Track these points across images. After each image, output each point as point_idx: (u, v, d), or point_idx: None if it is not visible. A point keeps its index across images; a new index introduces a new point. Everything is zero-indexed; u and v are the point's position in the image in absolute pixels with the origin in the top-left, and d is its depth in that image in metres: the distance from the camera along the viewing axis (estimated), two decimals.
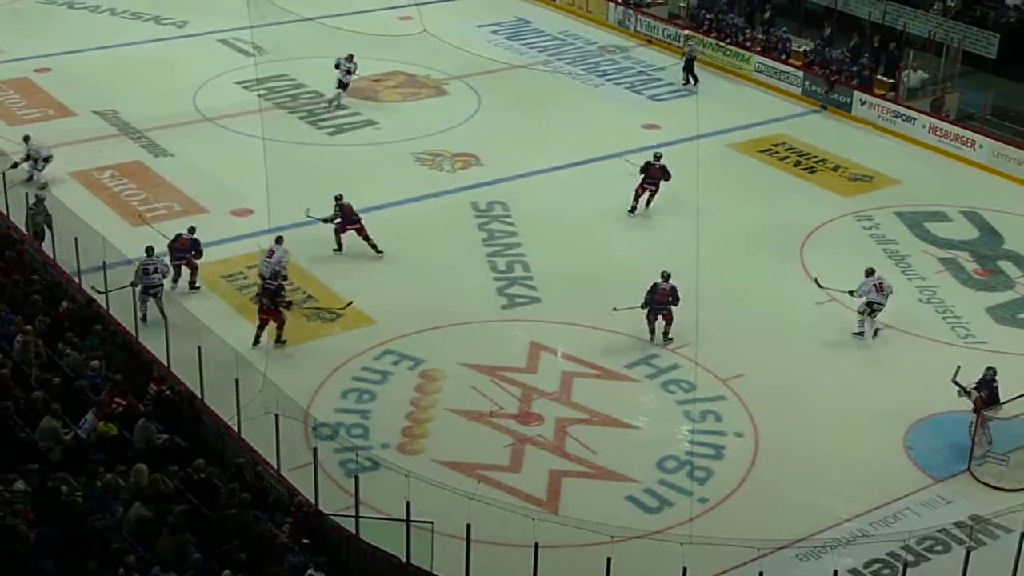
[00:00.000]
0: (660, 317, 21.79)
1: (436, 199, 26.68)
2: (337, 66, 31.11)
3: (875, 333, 22.26)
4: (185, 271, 22.77)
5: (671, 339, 21.81)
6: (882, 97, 31.73)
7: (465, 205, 26.52)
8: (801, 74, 33.21)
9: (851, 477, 18.69)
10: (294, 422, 18.19)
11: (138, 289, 21.28)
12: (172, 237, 22.87)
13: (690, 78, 33.79)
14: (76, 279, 21.89)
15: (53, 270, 22.28)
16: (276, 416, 17.32)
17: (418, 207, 26.37)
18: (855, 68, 32.42)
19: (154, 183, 26.87)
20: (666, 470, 18.75)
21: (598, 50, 36.24)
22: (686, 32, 35.82)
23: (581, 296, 23.15)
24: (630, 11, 37.64)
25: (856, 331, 22.37)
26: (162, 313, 21.41)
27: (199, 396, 18.50)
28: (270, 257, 22.40)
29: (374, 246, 24.17)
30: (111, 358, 18.80)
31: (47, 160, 26.10)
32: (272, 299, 21.12)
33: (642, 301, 21.70)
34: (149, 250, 21.95)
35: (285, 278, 22.19)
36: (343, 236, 24.15)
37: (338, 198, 24.25)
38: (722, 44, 35.01)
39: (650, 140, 29.37)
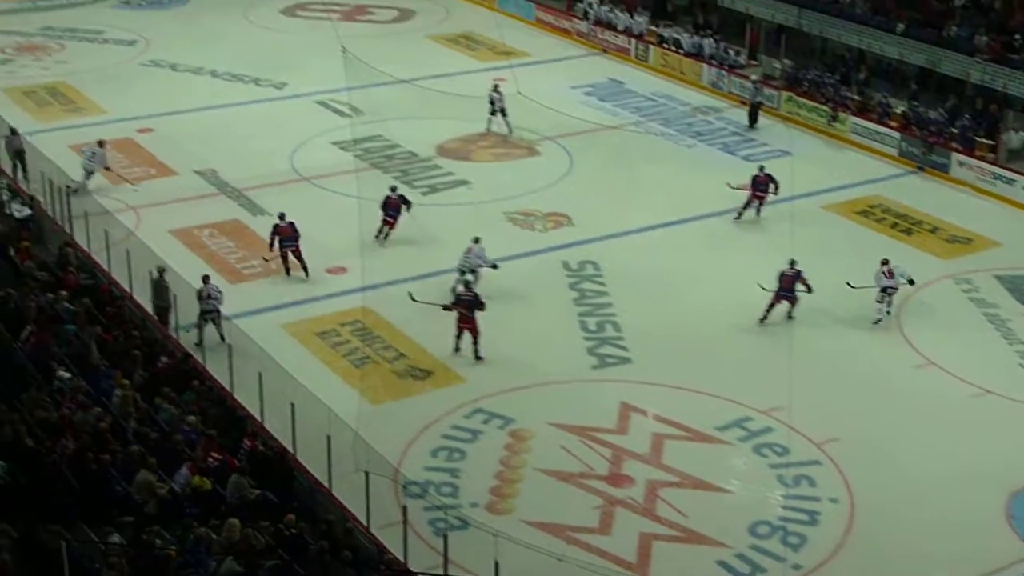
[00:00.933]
0: (785, 301, 23.70)
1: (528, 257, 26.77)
2: (491, 103, 33.35)
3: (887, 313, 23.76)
4: (293, 260, 25.09)
5: (793, 318, 23.71)
6: (981, 158, 31.29)
7: (556, 265, 26.55)
8: (898, 135, 32.89)
9: (949, 546, 18.26)
10: (384, 480, 18.26)
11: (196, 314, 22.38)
12: (271, 228, 25.34)
13: (753, 123, 34.57)
14: (174, 335, 22.24)
15: (152, 326, 22.67)
16: (367, 473, 17.40)
17: (509, 267, 26.41)
18: (953, 129, 32.05)
19: (251, 241, 27.27)
20: (759, 535, 18.47)
21: (691, 111, 36.25)
22: (753, 78, 36.12)
23: (672, 357, 23.03)
24: (724, 72, 37.62)
25: (875, 319, 23.23)
26: (222, 338, 22.18)
27: (292, 452, 18.65)
28: (468, 253, 24.47)
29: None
30: (207, 413, 19.05)
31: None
32: (470, 309, 22.43)
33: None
34: (205, 278, 22.99)
35: (473, 272, 24.41)
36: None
37: (392, 189, 27.26)
38: (817, 105, 34.83)
39: (743, 201, 29.24)
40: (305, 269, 25.47)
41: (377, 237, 27.03)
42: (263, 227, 27.74)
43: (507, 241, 27.37)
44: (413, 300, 23.77)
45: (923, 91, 34.22)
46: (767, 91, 36.21)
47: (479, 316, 22.79)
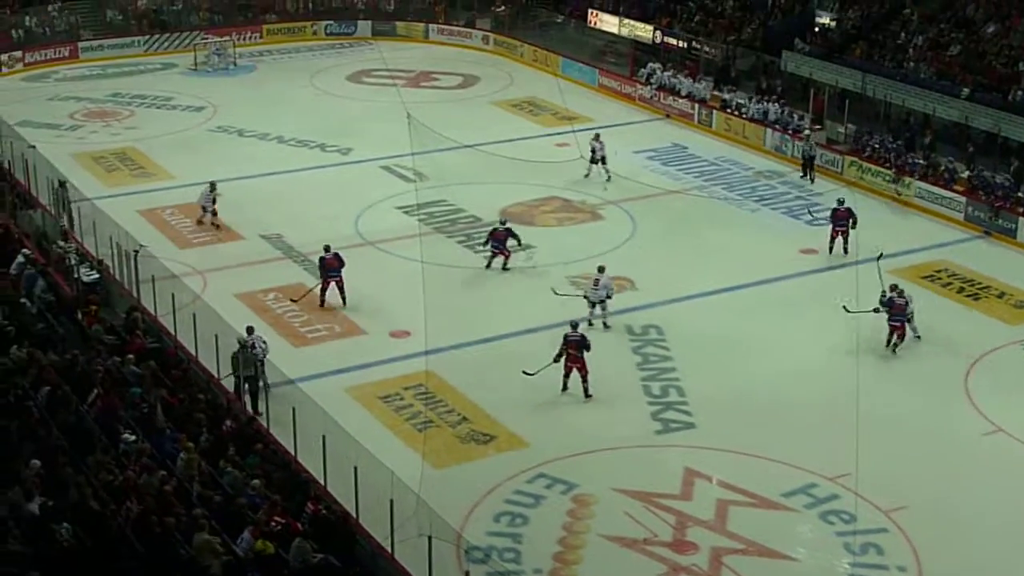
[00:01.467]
0: (840, 235, 28.72)
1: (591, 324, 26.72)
2: (592, 151, 34.78)
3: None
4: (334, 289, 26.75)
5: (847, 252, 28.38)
6: None
7: (620, 329, 26.48)
8: (964, 199, 32.62)
9: None
10: (447, 544, 18.16)
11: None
12: (318, 261, 27.13)
13: (809, 175, 35.28)
14: (239, 398, 22.38)
15: (217, 389, 22.84)
16: (429, 538, 17.34)
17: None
18: (1020, 194, 31.74)
19: (316, 305, 27.44)
20: None
21: (754, 175, 36.19)
22: (807, 132, 36.41)
23: (736, 422, 22.83)
24: (787, 137, 37.57)
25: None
26: (265, 385, 22.72)
27: (354, 516, 18.64)
28: (596, 285, 26.02)
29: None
30: (271, 476, 19.10)
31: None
32: (579, 349, 23.33)
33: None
34: (249, 329, 23.73)
35: (609, 297, 26.27)
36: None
37: (502, 222, 29.54)
38: (882, 169, 34.66)
39: (808, 265, 29.11)
40: (343, 298, 27.05)
41: (487, 267, 29.22)
42: (329, 291, 27.96)
43: (571, 306, 27.32)
44: (556, 294, 26.21)
45: (988, 155, 33.96)
46: (831, 155, 36.10)
47: (587, 356, 23.47)
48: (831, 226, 30.02)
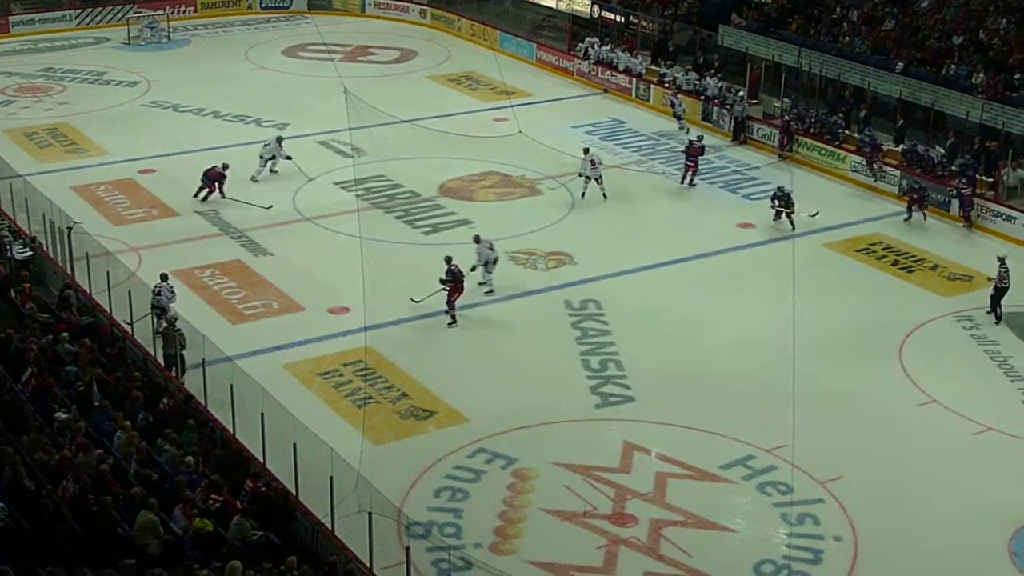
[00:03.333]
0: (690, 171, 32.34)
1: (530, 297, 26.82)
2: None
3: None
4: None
5: (695, 185, 32.24)
6: (981, 196, 31.35)
7: (559, 304, 26.56)
8: (898, 173, 32.97)
9: None
10: (387, 520, 18.19)
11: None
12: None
13: (742, 137, 36.54)
14: (176, 376, 22.22)
15: (154, 367, 22.65)
16: (369, 514, 17.34)
17: (511, 305, 26.45)
18: (953, 168, 32.13)
19: (253, 281, 27.30)
20: (763, 574, 18.39)
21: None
22: (740, 94, 37.61)
23: (675, 395, 23.00)
24: (724, 111, 37.74)
25: None
26: (176, 337, 22.82)
27: (294, 493, 18.59)
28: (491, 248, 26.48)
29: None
30: (208, 454, 19.00)
31: None
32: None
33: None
34: (163, 276, 24.46)
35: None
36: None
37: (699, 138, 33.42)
38: (819, 143, 34.93)
39: (745, 239, 29.31)
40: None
41: (681, 183, 32.54)
42: (264, 267, 27.86)
43: (509, 280, 27.39)
44: (414, 301, 25.63)
45: (922, 129, 34.33)
46: (768, 129, 36.32)
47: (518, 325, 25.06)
48: (684, 161, 33.05)
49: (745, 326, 25.63)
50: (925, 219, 31.06)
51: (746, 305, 26.42)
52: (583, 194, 32.14)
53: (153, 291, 24.15)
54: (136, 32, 46.97)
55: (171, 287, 24.60)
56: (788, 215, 30.22)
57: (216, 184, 31.48)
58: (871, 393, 23.26)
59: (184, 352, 22.77)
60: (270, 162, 33.18)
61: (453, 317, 25.39)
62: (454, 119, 37.82)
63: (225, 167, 31.66)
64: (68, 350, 21.35)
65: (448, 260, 25.54)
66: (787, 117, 35.71)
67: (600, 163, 32.42)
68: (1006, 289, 26.05)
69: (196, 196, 31.39)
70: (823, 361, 23.79)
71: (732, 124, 36.81)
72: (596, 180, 32.28)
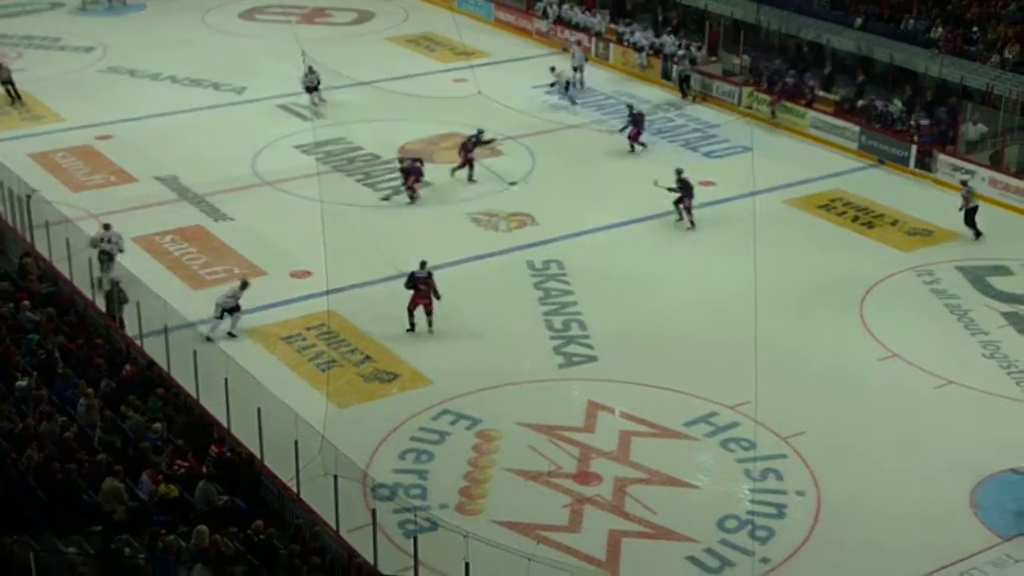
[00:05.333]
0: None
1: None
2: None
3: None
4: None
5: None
6: (941, 151, 31.53)
7: (521, 264, 26.59)
8: (858, 128, 33.10)
9: (916, 536, 18.42)
10: (353, 483, 18.25)
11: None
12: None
13: (690, 95, 36.92)
14: (138, 343, 22.14)
15: (115, 334, 22.55)
16: (335, 477, 17.39)
17: (473, 267, 26.45)
18: (912, 122, 32.28)
19: (214, 246, 27.18)
20: (727, 530, 18.57)
21: (651, 108, 36.31)
22: (680, 53, 37.81)
23: (638, 354, 23.11)
24: (681, 68, 37.68)
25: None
26: (117, 289, 23.18)
27: (259, 457, 18.59)
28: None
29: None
30: (173, 420, 18.97)
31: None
32: (429, 288, 23.56)
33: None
34: (106, 226, 24.80)
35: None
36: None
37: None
38: (781, 101, 34.98)
39: (707, 197, 29.37)
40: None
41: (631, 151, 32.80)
42: (225, 232, 27.73)
43: (471, 241, 27.40)
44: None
45: (880, 84, 34.46)
46: (728, 87, 36.38)
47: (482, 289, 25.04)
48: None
49: (707, 284, 25.75)
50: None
51: (707, 263, 26.53)
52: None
53: (99, 239, 24.26)
54: None
55: (119, 234, 24.80)
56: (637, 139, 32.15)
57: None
58: (832, 349, 23.44)
59: (124, 308, 23.03)
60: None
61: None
62: (413, 80, 37.64)
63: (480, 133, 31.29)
64: (29, 318, 21.23)
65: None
66: (686, 72, 36.70)
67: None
68: (975, 208, 27.56)
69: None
70: (785, 318, 23.96)
71: (678, 81, 37.16)
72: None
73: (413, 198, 29.31)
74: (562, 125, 34.64)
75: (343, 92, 34.69)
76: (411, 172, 29.44)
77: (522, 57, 41.04)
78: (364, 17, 45.73)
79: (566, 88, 36.25)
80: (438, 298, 23.70)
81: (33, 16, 45.47)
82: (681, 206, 28.52)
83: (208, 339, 22.90)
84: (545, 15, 42.73)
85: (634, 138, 32.84)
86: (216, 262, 26.51)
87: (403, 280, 23.80)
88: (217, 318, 23.32)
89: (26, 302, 21.71)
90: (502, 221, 28.67)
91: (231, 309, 23.46)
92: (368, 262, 25.70)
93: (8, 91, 35.73)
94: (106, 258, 24.34)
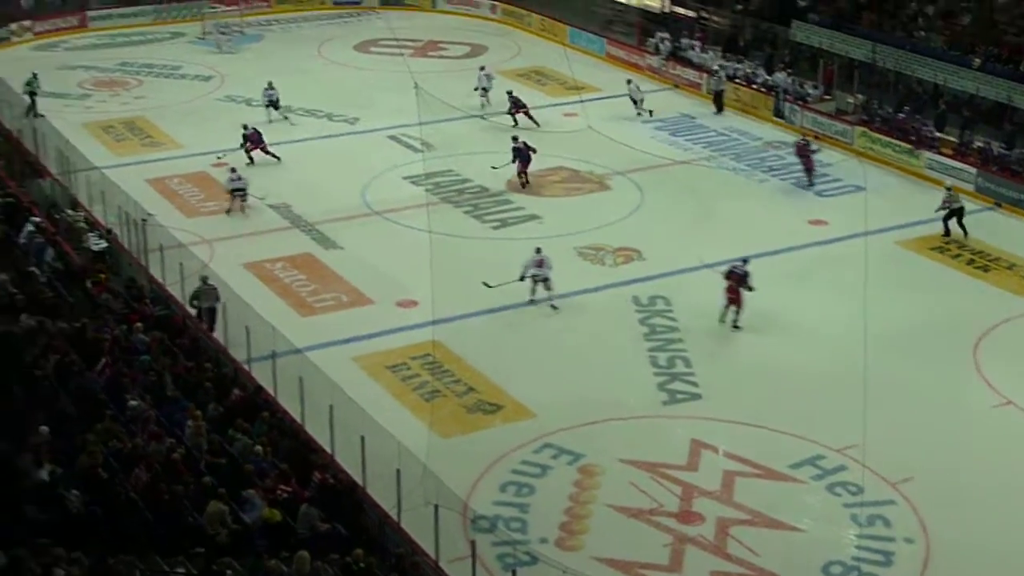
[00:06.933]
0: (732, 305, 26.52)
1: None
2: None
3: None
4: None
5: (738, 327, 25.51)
6: None
7: (626, 299, 26.46)
8: (974, 171, 32.48)
9: None
10: (453, 514, 18.22)
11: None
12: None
13: (720, 109, 38.48)
14: (246, 367, 22.43)
15: (224, 358, 22.86)
16: (435, 507, 17.38)
17: (579, 301, 26.38)
18: None
19: (323, 274, 27.48)
20: (831, 575, 18.20)
21: (763, 145, 36.05)
22: (715, 67, 39.28)
23: (743, 393, 22.84)
24: (796, 107, 37.40)
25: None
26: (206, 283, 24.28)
27: (361, 485, 18.68)
28: (540, 266, 25.77)
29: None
30: (278, 445, 19.15)
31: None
32: (739, 283, 24.59)
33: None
34: (204, 279, 24.65)
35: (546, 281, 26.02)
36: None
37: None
38: (892, 140, 34.49)
39: (817, 236, 29.03)
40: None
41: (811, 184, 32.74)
42: (334, 260, 28.01)
43: (577, 275, 27.32)
44: (488, 286, 25.72)
45: (997, 125, 33.82)
46: (841, 126, 35.96)
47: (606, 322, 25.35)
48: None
49: (815, 324, 25.38)
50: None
51: (816, 303, 26.16)
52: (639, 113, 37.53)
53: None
54: (210, 28, 47.28)
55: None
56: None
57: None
58: (944, 393, 22.94)
59: (217, 306, 23.91)
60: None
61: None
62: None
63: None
64: (141, 340, 21.61)
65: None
66: (802, 141, 34.06)
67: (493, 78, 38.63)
68: (960, 209, 29.18)
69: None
70: (895, 360, 23.48)
71: (713, 96, 38.94)
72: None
73: (525, 184, 31.96)
74: (671, 161, 34.51)
75: (454, 125, 34.91)
76: (521, 156, 31.73)
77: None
78: (477, 51, 46.09)
79: (636, 104, 38.01)
80: (749, 290, 24.90)
81: (154, 45, 46.63)
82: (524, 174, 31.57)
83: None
84: (657, 51, 42.67)
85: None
86: (324, 289, 26.79)
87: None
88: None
89: (139, 324, 22.11)
90: (609, 255, 28.58)
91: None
92: (474, 293, 25.77)
93: (32, 100, 37.27)
94: (240, 194, 29.80)
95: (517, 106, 36.50)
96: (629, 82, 38.63)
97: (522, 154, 32.23)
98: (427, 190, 31.71)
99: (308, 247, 28.92)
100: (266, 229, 29.89)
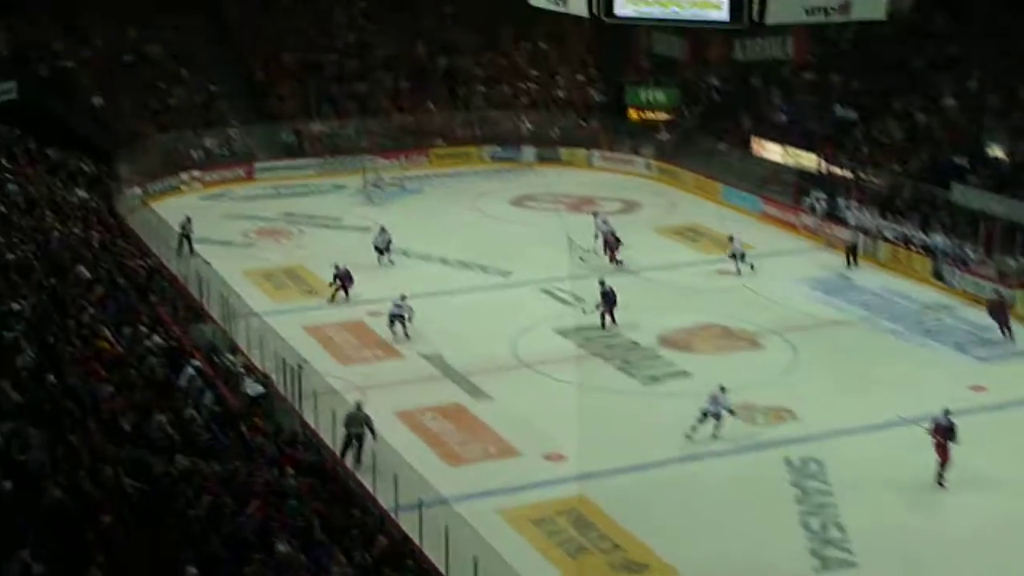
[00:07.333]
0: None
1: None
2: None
3: None
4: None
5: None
6: None
7: (779, 461, 25.92)
8: None
9: None
10: None
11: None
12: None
13: (854, 262, 38.73)
14: (393, 515, 22.47)
15: (372, 506, 22.94)
16: None
17: (729, 461, 25.94)
18: None
19: (472, 425, 27.57)
20: None
21: (921, 308, 35.37)
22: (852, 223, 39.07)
23: (901, 563, 22.03)
24: (955, 269, 36.72)
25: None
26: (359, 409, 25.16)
27: None
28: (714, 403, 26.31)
29: None
30: None
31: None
32: (945, 436, 24.22)
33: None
34: (358, 405, 25.40)
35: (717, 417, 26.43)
36: None
37: None
38: None
39: (977, 403, 28.20)
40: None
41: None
42: (483, 411, 28.10)
43: (729, 434, 26.90)
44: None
45: None
46: (1005, 289, 35.15)
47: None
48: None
49: (979, 493, 24.44)
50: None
51: (980, 471, 25.23)
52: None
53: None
54: (371, 179, 48.58)
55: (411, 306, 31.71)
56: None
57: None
58: None
59: (365, 433, 24.72)
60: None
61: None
62: (676, 271, 37.85)
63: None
64: (292, 485, 21.83)
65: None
66: (996, 299, 33.59)
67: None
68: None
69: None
70: None
71: (846, 250, 39.10)
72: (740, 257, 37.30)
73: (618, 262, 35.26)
74: (827, 321, 34.06)
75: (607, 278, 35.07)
76: (607, 300, 32.65)
77: (787, 251, 40.80)
78: (630, 207, 46.47)
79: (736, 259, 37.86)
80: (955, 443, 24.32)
81: (317, 196, 48.08)
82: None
83: None
84: (813, 210, 42.51)
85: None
86: (473, 440, 26.84)
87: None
88: None
89: (290, 468, 22.37)
90: (760, 414, 28.13)
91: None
92: (622, 448, 25.56)
93: (184, 240, 39.71)
94: (400, 320, 31.59)
95: (611, 248, 37.80)
96: (596, 215, 40.04)
97: (609, 298, 32.79)
98: (578, 344, 31.78)
99: (458, 397, 29.10)
100: (417, 378, 30.20)
